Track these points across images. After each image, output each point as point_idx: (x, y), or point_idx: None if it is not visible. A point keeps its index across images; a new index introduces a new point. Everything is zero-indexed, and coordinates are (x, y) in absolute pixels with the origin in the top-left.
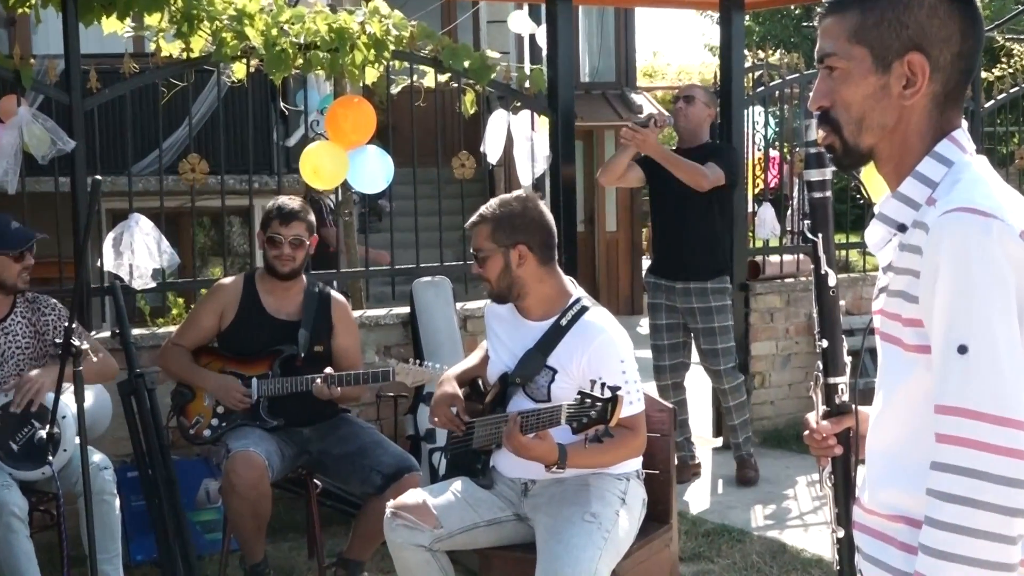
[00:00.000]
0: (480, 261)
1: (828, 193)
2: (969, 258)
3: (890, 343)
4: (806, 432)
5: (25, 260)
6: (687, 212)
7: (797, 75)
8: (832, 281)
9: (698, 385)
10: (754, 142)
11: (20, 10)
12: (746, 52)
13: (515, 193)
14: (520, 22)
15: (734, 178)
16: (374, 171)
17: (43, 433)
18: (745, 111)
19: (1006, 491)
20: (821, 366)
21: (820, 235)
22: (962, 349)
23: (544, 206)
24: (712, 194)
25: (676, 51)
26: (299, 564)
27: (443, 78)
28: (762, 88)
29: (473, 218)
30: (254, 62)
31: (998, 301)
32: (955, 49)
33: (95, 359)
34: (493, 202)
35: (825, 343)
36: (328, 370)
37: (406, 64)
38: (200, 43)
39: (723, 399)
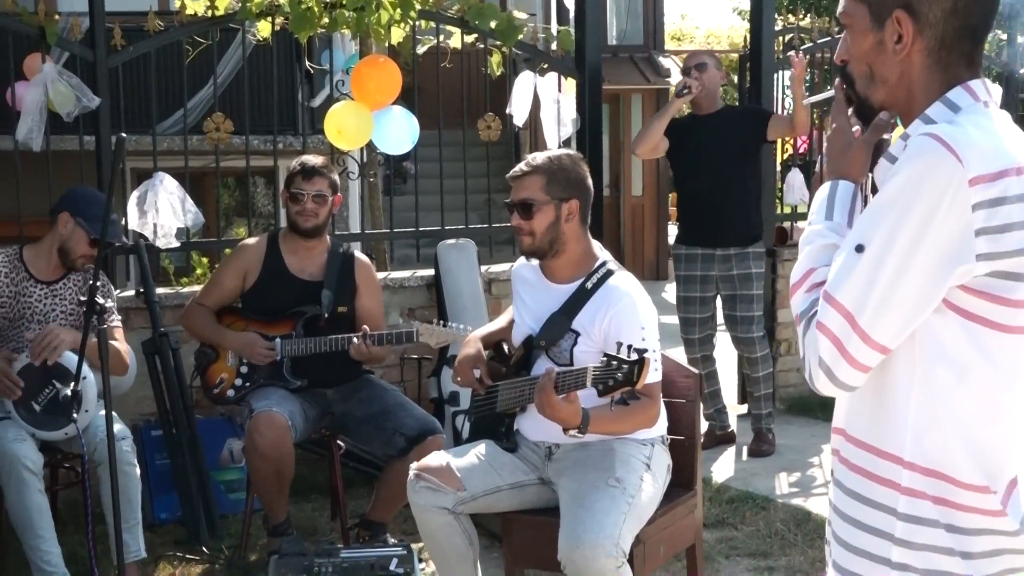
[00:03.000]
0: (526, 212)
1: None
2: (913, 176)
3: None
4: None
5: (94, 249)
6: (721, 177)
7: (828, 39)
8: None
9: (724, 351)
10: (784, 107)
11: None
12: (776, 16)
13: (561, 150)
14: None
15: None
16: (399, 132)
17: (67, 391)
18: (775, 75)
19: (816, 368)
20: None
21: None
22: (859, 248)
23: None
24: (745, 158)
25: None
26: (322, 525)
27: (469, 39)
28: (792, 52)
29: (520, 167)
30: (279, 20)
31: (916, 225)
32: (946, 5)
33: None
34: (540, 155)
35: None
36: (365, 328)
37: (432, 24)
38: (225, 1)
39: (751, 368)
